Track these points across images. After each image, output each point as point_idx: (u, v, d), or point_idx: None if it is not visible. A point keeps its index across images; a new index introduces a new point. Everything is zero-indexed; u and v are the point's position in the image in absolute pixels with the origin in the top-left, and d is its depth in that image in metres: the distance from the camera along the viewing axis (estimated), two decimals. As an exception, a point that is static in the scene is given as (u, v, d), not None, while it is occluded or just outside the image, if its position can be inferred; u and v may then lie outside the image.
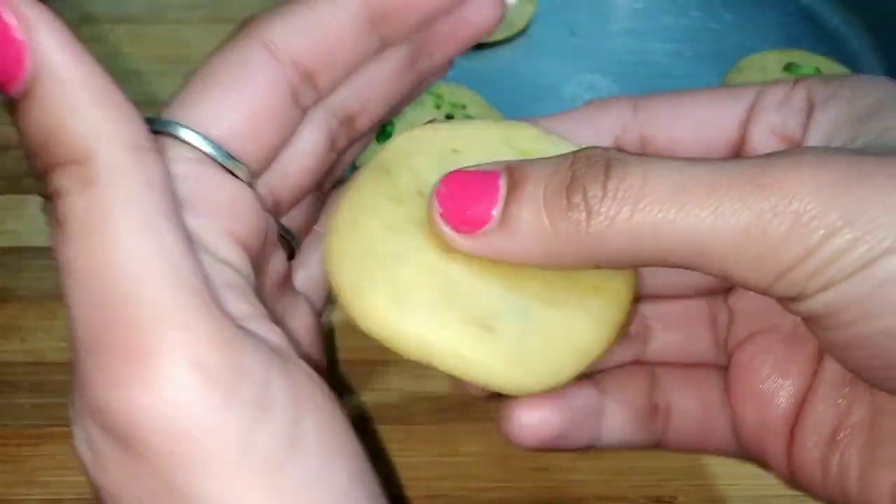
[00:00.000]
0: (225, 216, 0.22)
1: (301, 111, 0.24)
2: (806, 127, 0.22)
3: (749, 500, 0.32)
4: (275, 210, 0.25)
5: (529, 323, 0.21)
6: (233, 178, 0.22)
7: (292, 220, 0.27)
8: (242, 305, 0.21)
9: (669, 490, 0.33)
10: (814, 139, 0.22)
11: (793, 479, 0.24)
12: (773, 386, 0.23)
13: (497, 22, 0.25)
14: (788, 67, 0.47)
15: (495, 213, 0.20)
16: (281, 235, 0.26)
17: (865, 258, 0.18)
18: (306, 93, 0.23)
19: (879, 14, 0.50)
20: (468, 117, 0.46)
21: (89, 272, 0.18)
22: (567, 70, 0.49)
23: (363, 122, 0.26)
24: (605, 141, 0.25)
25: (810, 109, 0.23)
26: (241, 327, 0.19)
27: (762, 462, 0.24)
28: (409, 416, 0.34)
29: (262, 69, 0.22)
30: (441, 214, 0.21)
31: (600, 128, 0.25)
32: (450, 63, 0.27)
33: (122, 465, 0.19)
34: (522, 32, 0.50)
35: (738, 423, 0.24)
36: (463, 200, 0.21)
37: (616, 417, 0.25)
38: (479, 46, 0.49)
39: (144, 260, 0.18)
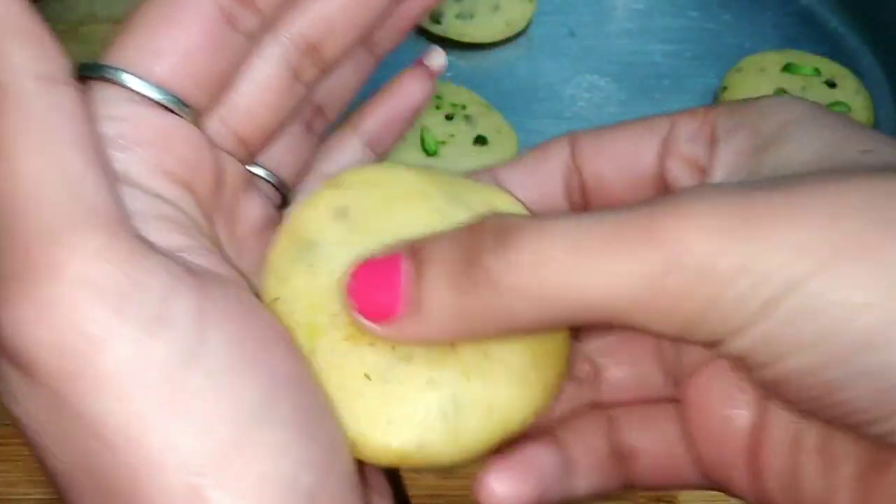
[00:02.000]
0: (157, 152, 0.22)
1: (243, 37, 0.23)
2: (712, 159, 0.22)
3: (748, 499, 0.32)
4: (244, 150, 0.25)
5: (459, 397, 0.21)
6: (169, 114, 0.22)
7: (282, 165, 0.26)
8: (176, 237, 0.21)
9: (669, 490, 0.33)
10: (719, 171, 0.22)
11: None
12: (727, 417, 0.23)
13: None
14: (787, 68, 0.47)
15: (404, 300, 0.20)
16: (267, 181, 0.26)
17: (766, 302, 0.18)
18: (244, 15, 0.23)
19: (878, 14, 0.50)
20: (468, 117, 0.46)
21: None
22: (567, 70, 0.49)
23: (331, 50, 0.25)
24: (556, 183, 0.25)
25: (715, 141, 0.22)
26: (147, 248, 0.19)
27: (729, 491, 0.24)
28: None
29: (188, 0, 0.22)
30: (355, 309, 0.21)
31: (548, 171, 0.25)
32: None
33: (26, 392, 0.19)
34: (522, 33, 0.50)
35: (699, 456, 0.24)
36: (372, 291, 0.21)
37: (583, 469, 0.24)
38: (479, 46, 0.50)
39: (40, 183, 0.18)
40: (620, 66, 0.50)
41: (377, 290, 0.21)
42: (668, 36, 0.51)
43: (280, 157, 0.26)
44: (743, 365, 0.19)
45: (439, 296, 0.20)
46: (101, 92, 0.22)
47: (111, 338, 0.18)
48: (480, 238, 0.20)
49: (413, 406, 0.21)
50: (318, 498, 0.19)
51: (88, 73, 0.22)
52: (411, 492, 0.32)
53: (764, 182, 0.20)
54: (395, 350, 0.21)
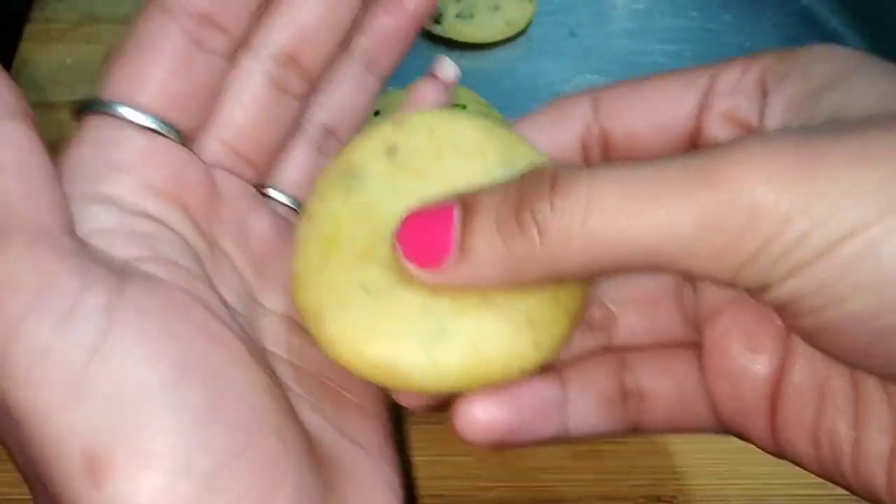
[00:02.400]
0: (143, 171, 0.23)
1: (216, 56, 0.25)
2: (762, 109, 0.22)
3: (749, 499, 0.32)
4: (251, 168, 0.26)
5: (445, 327, 0.22)
6: (155, 136, 0.24)
7: (297, 187, 0.27)
8: (136, 249, 0.22)
9: (669, 490, 0.33)
10: (772, 121, 0.22)
11: (780, 452, 0.23)
12: (747, 362, 0.23)
13: None
14: (788, 68, 0.47)
15: (453, 245, 0.21)
16: (283, 204, 0.27)
17: (826, 243, 0.18)
18: (211, 35, 0.24)
19: (878, 14, 0.50)
20: (468, 117, 0.46)
21: None
22: (567, 70, 0.49)
23: (310, 59, 0.26)
24: (573, 141, 0.25)
25: (765, 90, 0.22)
26: (71, 254, 0.21)
27: (745, 437, 0.24)
28: (410, 415, 0.34)
29: (156, 27, 0.24)
30: (403, 255, 0.21)
31: (566, 128, 0.25)
32: None
33: None
34: (522, 32, 0.50)
35: (715, 402, 0.24)
36: (421, 239, 0.21)
37: (583, 407, 0.24)
38: (479, 46, 0.49)
39: None
40: (621, 66, 0.49)
41: (426, 236, 0.21)
42: (669, 36, 0.51)
43: (293, 178, 0.27)
44: (789, 311, 0.19)
45: (487, 242, 0.20)
46: (95, 122, 0.24)
47: (24, 332, 0.20)
48: (531, 187, 0.20)
49: (398, 322, 0.22)
50: (216, 480, 0.20)
51: (87, 108, 0.24)
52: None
53: (826, 127, 0.20)
54: (399, 275, 0.22)
